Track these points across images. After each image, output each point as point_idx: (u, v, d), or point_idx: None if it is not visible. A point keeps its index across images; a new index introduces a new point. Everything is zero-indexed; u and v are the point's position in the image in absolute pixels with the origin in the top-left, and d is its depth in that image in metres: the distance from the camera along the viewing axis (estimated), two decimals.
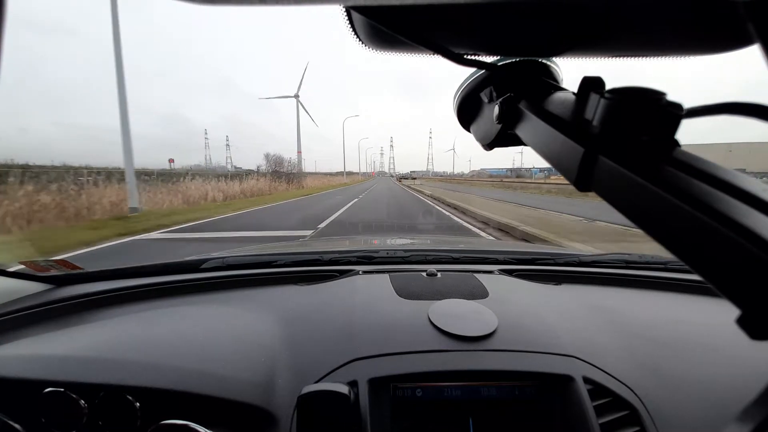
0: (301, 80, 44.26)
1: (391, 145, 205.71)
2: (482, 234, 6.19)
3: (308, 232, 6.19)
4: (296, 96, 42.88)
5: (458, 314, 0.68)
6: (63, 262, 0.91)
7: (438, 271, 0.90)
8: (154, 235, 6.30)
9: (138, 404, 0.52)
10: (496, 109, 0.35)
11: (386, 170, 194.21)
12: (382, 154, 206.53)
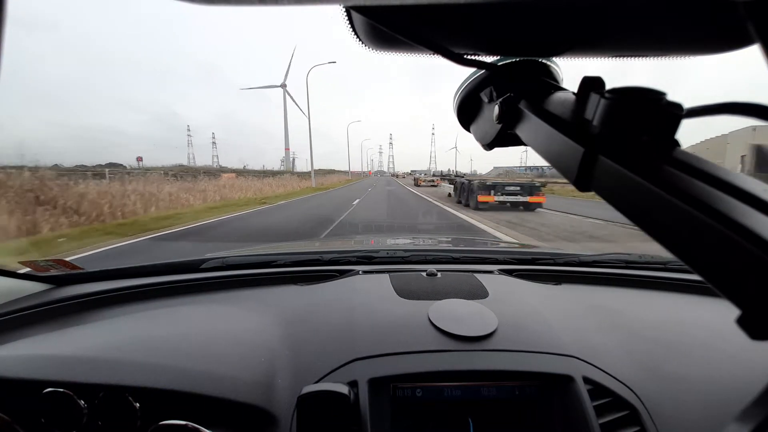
0: (288, 67, 41.62)
1: (391, 143, 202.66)
2: None
3: None
4: (283, 86, 40.33)
5: (458, 314, 0.68)
6: (63, 262, 0.91)
7: (438, 271, 0.90)
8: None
9: (138, 404, 0.52)
10: (496, 109, 0.35)
11: (385, 169, 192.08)
12: (380, 152, 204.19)
